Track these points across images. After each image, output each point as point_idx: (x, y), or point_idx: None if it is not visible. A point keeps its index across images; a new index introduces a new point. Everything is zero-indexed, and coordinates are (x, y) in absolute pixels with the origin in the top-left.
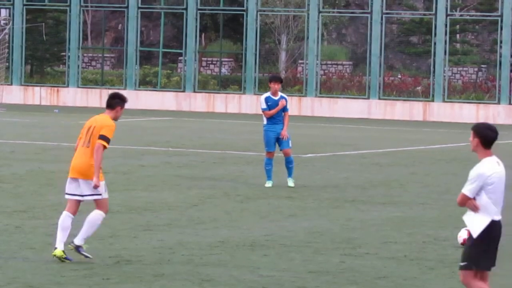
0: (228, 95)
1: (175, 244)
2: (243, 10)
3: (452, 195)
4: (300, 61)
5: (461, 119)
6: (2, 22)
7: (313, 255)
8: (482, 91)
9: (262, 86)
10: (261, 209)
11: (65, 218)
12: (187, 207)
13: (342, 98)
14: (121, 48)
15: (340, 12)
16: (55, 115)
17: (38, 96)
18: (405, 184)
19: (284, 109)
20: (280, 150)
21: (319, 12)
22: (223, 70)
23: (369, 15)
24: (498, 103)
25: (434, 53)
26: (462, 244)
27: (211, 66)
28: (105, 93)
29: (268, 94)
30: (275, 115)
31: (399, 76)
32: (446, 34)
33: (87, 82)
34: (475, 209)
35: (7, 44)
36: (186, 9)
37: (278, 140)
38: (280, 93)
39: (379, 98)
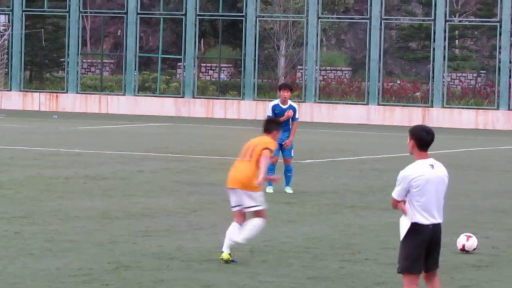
0: (227, 101)
1: (174, 250)
2: (242, 16)
3: (451, 201)
4: (299, 67)
5: (460, 125)
6: (1, 28)
7: (312, 261)
8: (481, 97)
9: (261, 92)
10: None
11: (233, 228)
12: (187, 213)
13: (341, 103)
14: (120, 54)
15: (339, 18)
16: (54, 120)
17: (37, 102)
18: None
19: (293, 118)
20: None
21: (318, 18)
22: (222, 76)
23: (368, 21)
24: (497, 108)
25: (433, 58)
26: (461, 250)
27: (210, 72)
28: (104, 99)
29: (276, 101)
30: (282, 123)
31: (398, 82)
32: (445, 39)
33: (86, 88)
34: (403, 212)
35: (6, 50)
36: (185, 14)
37: (281, 148)
38: (290, 102)
39: (378, 104)
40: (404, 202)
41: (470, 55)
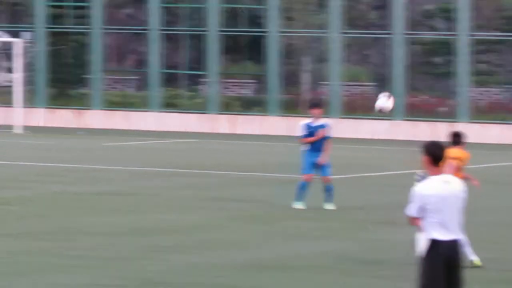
0: (251, 116)
1: (205, 266)
2: (264, 32)
3: (480, 217)
4: (322, 83)
5: (486, 140)
6: (25, 45)
7: (340, 277)
8: (506, 112)
9: (285, 108)
10: (286, 231)
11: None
12: (214, 228)
13: (365, 119)
14: (144, 70)
15: (362, 33)
16: (79, 137)
17: (62, 119)
18: None
19: (326, 136)
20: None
21: (341, 33)
22: (246, 91)
23: (391, 36)
24: None
25: (458, 73)
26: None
27: (234, 88)
28: (129, 115)
29: (308, 120)
30: (315, 142)
31: (423, 97)
32: (469, 54)
33: (110, 104)
34: (419, 228)
35: (30, 67)
36: (207, 31)
37: (318, 166)
38: (322, 120)
39: (403, 119)
40: (421, 218)
41: (495, 70)
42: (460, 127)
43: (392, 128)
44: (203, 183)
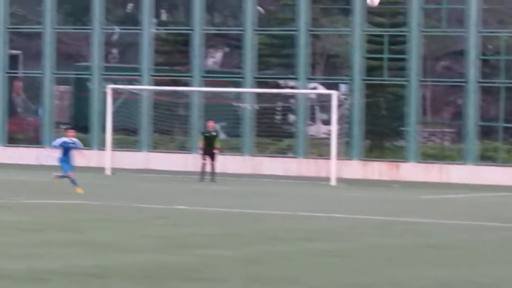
0: None
1: None
2: None
3: None
4: None
5: None
6: (342, 97)
7: None
8: None
9: None
10: None
11: None
12: None
13: None
14: (461, 123)
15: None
16: (394, 190)
17: (378, 171)
18: None
19: None
20: None
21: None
22: None
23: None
24: None
25: None
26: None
27: None
28: (445, 168)
29: None
30: None
31: None
32: None
33: (426, 157)
34: None
35: (346, 119)
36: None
37: None
38: None
39: None
40: None
41: None
42: None
43: None
44: None
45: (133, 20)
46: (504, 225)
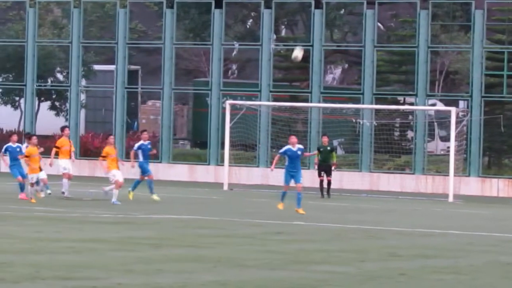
0: None
1: None
2: None
3: None
4: None
5: None
6: (461, 113)
7: None
8: None
9: None
10: None
11: None
12: None
13: None
14: None
15: None
16: None
17: (496, 188)
18: None
19: None
20: None
21: None
22: None
23: None
24: None
25: None
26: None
27: None
28: None
29: None
30: None
31: None
32: None
33: None
34: None
35: (465, 136)
36: None
37: None
38: None
39: None
40: None
41: None
42: None
43: None
44: None
45: (252, 36)
46: None
